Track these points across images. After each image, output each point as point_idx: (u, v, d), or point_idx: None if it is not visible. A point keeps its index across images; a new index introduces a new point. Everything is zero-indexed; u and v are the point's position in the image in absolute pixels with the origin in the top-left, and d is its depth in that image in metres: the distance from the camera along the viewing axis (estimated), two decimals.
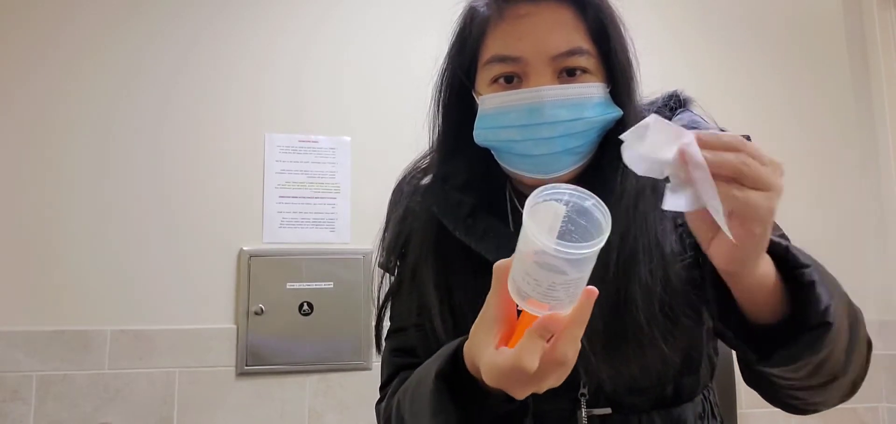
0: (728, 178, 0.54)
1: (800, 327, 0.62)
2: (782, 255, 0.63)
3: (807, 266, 0.62)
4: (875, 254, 2.26)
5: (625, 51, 0.79)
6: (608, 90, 0.78)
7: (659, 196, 0.68)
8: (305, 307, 1.86)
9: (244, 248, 1.86)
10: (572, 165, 0.77)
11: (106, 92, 1.87)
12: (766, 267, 0.62)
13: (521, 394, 0.59)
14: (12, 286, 1.75)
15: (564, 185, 0.56)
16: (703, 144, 0.55)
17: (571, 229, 0.55)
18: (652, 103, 0.88)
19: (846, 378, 0.69)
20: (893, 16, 2.33)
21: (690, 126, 0.82)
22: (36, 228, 1.78)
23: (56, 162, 1.82)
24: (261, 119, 1.93)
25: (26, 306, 1.74)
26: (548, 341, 0.55)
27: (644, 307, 0.72)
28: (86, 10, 1.88)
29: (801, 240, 2.38)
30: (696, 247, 0.71)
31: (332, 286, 1.88)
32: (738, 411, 1.99)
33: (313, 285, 1.87)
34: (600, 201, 0.55)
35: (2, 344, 1.71)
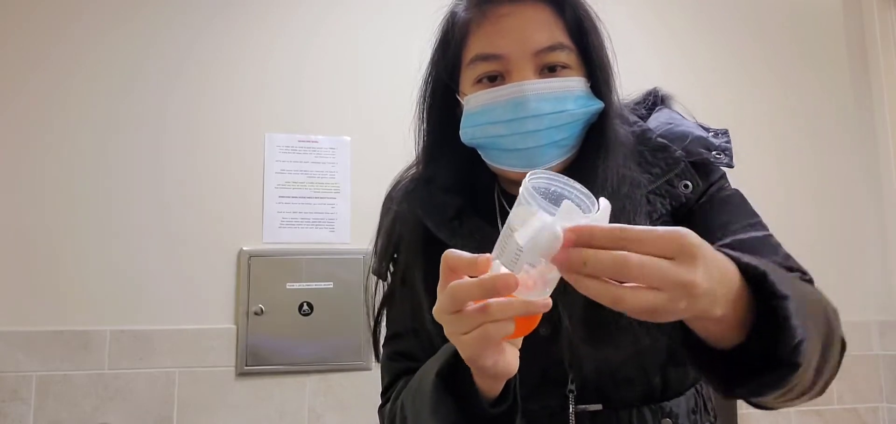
0: (608, 278, 0.51)
1: (767, 358, 0.57)
2: (760, 281, 0.57)
3: (784, 298, 0.56)
4: (875, 254, 2.26)
5: (602, 47, 0.81)
6: (589, 85, 0.80)
7: (636, 191, 0.75)
8: (305, 307, 1.85)
9: (244, 248, 1.86)
10: (558, 157, 0.79)
11: (106, 92, 1.87)
12: (726, 312, 0.56)
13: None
14: (12, 286, 1.75)
15: (558, 175, 0.56)
16: (578, 240, 0.51)
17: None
18: (630, 101, 0.90)
19: (814, 390, 0.66)
20: (893, 16, 2.33)
21: (668, 125, 0.84)
22: (36, 228, 1.78)
23: (56, 162, 1.81)
24: (261, 119, 1.93)
25: (26, 306, 1.74)
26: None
27: None
28: (86, 10, 1.88)
29: (802, 240, 2.38)
30: None
31: (331, 286, 1.87)
32: (739, 411, 1.99)
33: (313, 285, 1.87)
34: (590, 196, 0.55)
35: (2, 344, 1.71)
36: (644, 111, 0.89)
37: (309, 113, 1.96)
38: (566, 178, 0.55)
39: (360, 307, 1.92)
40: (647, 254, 0.50)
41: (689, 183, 0.79)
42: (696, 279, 0.51)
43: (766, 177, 2.21)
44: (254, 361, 1.81)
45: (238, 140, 1.91)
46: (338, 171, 1.96)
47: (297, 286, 1.86)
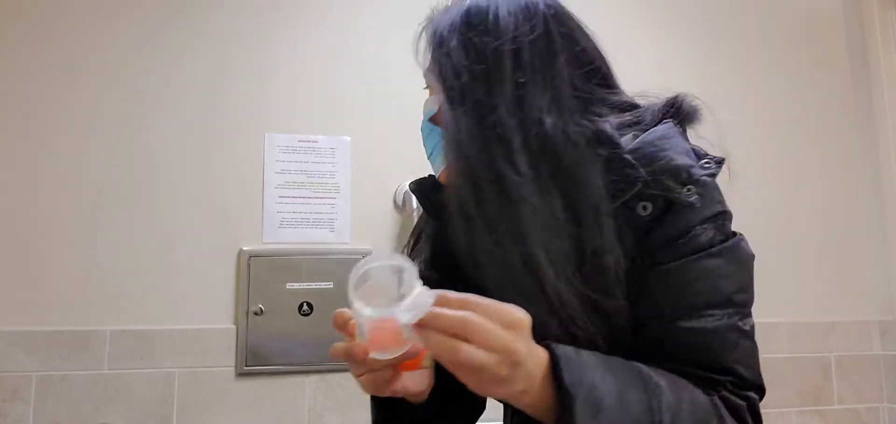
0: (453, 334, 0.58)
1: None
2: (558, 383, 0.61)
3: (572, 398, 0.60)
4: (875, 254, 2.26)
5: (444, 63, 0.81)
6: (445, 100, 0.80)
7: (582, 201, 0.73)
8: (305, 307, 1.85)
9: (244, 248, 1.86)
10: (437, 169, 0.87)
11: (104, 91, 1.86)
12: (532, 395, 0.62)
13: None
14: (12, 286, 1.75)
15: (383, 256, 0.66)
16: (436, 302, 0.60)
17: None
18: (650, 107, 0.84)
19: None
20: (893, 16, 2.33)
21: (651, 144, 0.76)
22: (36, 227, 1.78)
23: (55, 161, 1.81)
24: (261, 119, 1.93)
25: (26, 306, 1.74)
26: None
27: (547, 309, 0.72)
28: (84, 9, 1.88)
29: (803, 240, 2.36)
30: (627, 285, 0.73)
31: (331, 286, 1.87)
32: None
33: (313, 285, 1.87)
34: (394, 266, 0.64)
35: (2, 344, 1.71)
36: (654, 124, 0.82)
37: (309, 113, 1.96)
38: (384, 256, 0.66)
39: None
40: (490, 319, 0.59)
41: (647, 204, 0.73)
42: (520, 349, 0.59)
43: (766, 177, 2.21)
44: (254, 361, 1.81)
45: (238, 140, 1.91)
46: (338, 171, 1.96)
47: (297, 286, 1.86)
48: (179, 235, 1.84)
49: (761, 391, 0.73)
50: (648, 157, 0.74)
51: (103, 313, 1.77)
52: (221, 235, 1.86)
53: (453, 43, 0.81)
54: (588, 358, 0.64)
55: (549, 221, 0.72)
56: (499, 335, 0.58)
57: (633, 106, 0.83)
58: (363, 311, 0.61)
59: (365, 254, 1.90)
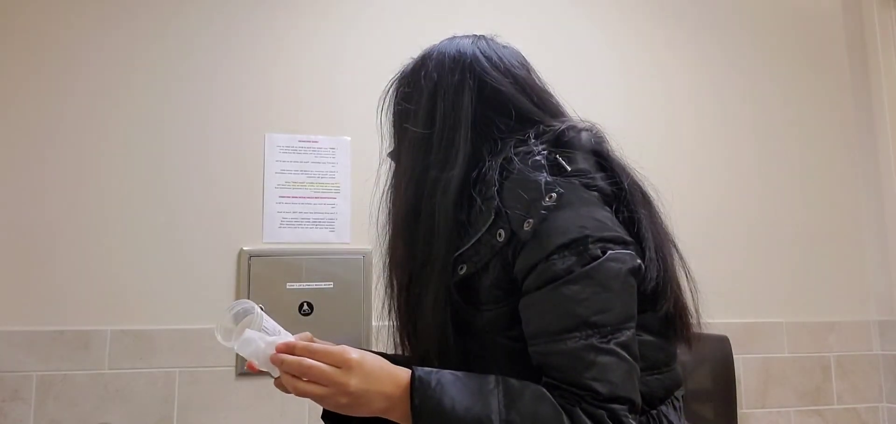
0: (294, 374, 0.78)
1: None
2: (411, 403, 0.74)
3: (417, 417, 0.74)
4: (875, 254, 2.26)
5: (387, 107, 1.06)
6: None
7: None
8: (305, 306, 1.85)
9: (244, 248, 1.86)
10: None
11: (105, 91, 1.87)
12: (388, 408, 0.77)
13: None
14: (12, 286, 1.75)
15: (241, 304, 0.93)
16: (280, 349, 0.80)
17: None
18: (546, 133, 0.90)
19: None
20: (893, 16, 2.33)
21: (516, 177, 0.84)
22: (36, 228, 1.78)
23: (56, 161, 1.81)
24: (261, 119, 1.93)
25: (26, 306, 1.74)
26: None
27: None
28: (85, 9, 1.88)
29: (802, 240, 2.35)
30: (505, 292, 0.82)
31: (332, 286, 1.88)
32: (739, 411, 1.99)
33: (313, 285, 1.87)
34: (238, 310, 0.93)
35: (2, 344, 1.71)
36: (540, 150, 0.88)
37: (309, 113, 1.96)
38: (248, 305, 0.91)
39: (360, 307, 1.93)
40: (321, 362, 0.76)
41: (501, 232, 0.81)
42: (349, 383, 0.75)
43: (765, 177, 2.21)
44: None
45: (238, 140, 1.91)
46: (338, 171, 1.96)
47: (297, 286, 1.86)
48: (179, 235, 1.84)
49: (627, 402, 0.75)
50: (507, 191, 0.83)
51: (103, 313, 1.77)
52: (221, 235, 1.86)
53: (390, 90, 1.07)
54: (445, 377, 0.76)
55: (426, 239, 0.87)
56: (328, 373, 0.75)
57: (540, 134, 0.89)
58: (223, 343, 0.90)
59: (365, 254, 1.91)
